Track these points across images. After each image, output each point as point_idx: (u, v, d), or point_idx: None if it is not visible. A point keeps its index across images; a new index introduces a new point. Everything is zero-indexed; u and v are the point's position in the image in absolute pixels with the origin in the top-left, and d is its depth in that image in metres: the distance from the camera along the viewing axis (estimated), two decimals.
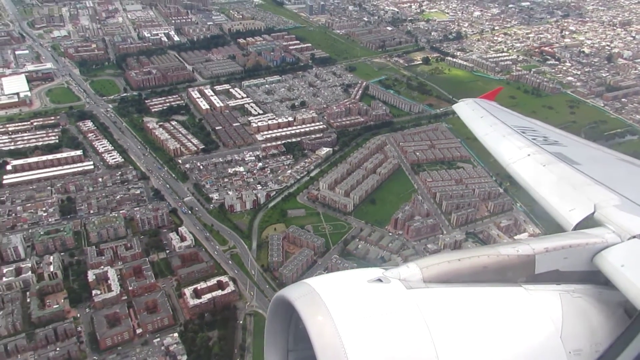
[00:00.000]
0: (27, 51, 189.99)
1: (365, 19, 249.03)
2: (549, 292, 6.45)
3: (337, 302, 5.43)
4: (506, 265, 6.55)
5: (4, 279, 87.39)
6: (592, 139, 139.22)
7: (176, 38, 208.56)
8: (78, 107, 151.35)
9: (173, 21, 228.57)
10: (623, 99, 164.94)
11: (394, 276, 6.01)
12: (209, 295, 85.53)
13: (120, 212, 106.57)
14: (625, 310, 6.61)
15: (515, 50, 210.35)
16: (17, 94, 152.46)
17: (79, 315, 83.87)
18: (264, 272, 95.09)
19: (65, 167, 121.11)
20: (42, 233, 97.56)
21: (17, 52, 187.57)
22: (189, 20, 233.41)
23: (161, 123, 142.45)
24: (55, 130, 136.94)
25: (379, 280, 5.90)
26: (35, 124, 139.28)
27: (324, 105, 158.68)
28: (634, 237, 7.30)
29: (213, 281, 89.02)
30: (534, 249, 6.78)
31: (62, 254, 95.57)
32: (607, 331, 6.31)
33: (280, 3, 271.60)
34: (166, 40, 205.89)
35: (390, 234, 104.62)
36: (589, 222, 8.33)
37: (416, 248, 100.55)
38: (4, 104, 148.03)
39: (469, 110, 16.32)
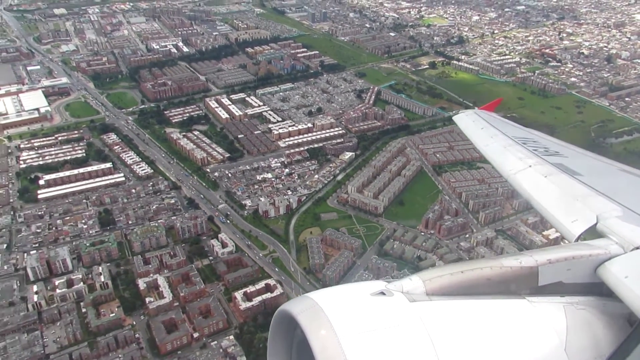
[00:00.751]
0: (38, 67, 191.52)
1: (367, 25, 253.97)
2: (553, 305, 6.45)
3: (340, 316, 5.45)
4: (509, 277, 6.55)
5: (58, 291, 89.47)
6: (603, 137, 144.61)
7: (185, 49, 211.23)
8: (99, 121, 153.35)
9: (180, 32, 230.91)
10: (627, 98, 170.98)
11: (397, 289, 6.02)
12: (259, 298, 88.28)
13: (159, 221, 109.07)
14: (629, 322, 6.58)
15: (516, 53, 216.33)
16: (38, 109, 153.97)
17: (134, 322, 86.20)
18: (306, 274, 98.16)
19: (97, 179, 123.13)
20: (87, 245, 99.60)
21: (28, 68, 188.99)
22: (195, 31, 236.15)
23: (184, 133, 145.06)
24: (81, 144, 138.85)
25: (382, 293, 5.91)
26: (60, 138, 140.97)
27: (340, 111, 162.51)
28: (637, 248, 7.30)
29: (261, 284, 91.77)
30: (536, 260, 6.78)
31: (107, 264, 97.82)
32: (612, 344, 6.27)
33: (282, 12, 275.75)
34: (175, 51, 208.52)
35: (423, 233, 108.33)
36: (591, 233, 8.38)
37: (449, 246, 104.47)
38: (26, 120, 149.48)
39: (469, 122, 16.36)
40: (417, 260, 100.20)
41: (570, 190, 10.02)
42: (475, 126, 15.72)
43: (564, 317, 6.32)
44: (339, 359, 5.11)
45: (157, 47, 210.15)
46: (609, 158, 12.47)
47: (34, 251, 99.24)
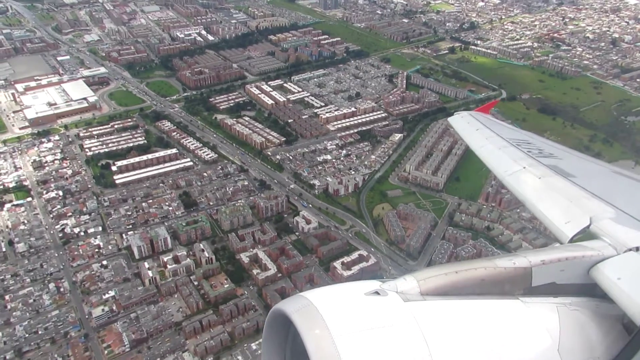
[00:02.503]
0: (68, 57, 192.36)
1: (379, 12, 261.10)
2: (546, 305, 6.55)
3: (334, 316, 5.52)
4: (503, 277, 6.64)
5: (168, 267, 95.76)
6: (624, 115, 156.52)
7: (210, 37, 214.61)
8: (147, 109, 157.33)
9: (200, 21, 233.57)
10: (638, 79, 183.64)
11: (392, 289, 6.09)
12: (357, 267, 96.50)
13: (239, 201, 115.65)
14: (622, 323, 6.67)
15: (527, 38, 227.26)
16: (85, 98, 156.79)
17: (245, 292, 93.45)
18: (389, 245, 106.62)
19: (166, 165, 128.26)
20: (184, 224, 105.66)
21: (59, 58, 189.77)
22: (213, 19, 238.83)
23: (236, 119, 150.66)
24: (139, 131, 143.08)
25: (377, 293, 5.98)
26: (116, 126, 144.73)
27: (377, 95, 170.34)
28: (630, 249, 7.39)
29: (354, 255, 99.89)
30: (530, 261, 6.86)
31: (203, 242, 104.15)
32: (604, 344, 6.38)
33: None
34: (201, 40, 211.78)
35: (485, 206, 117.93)
36: (584, 234, 8.46)
37: (512, 217, 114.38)
38: (77, 109, 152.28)
39: (464, 123, 16.38)
40: (487, 230, 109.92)
41: (563, 191, 10.12)
42: (471, 128, 15.78)
43: (557, 318, 6.39)
44: (333, 358, 5.17)
45: (182, 35, 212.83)
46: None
47: (131, 232, 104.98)
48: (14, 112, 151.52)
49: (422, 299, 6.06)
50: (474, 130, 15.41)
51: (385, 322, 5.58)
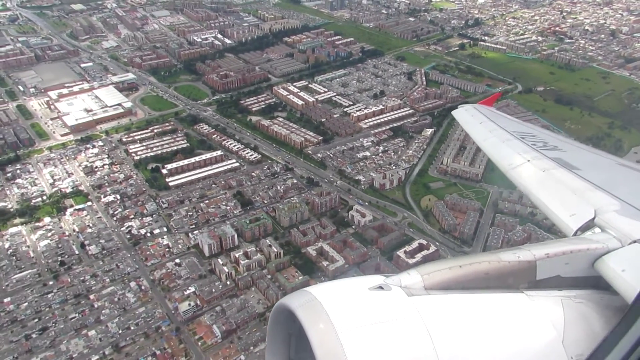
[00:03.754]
0: (90, 64, 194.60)
1: (384, 11, 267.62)
2: (551, 298, 6.58)
3: (338, 310, 5.58)
4: (507, 271, 6.66)
5: (242, 262, 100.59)
6: (636, 103, 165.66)
7: (227, 41, 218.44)
8: (181, 112, 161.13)
9: (212, 25, 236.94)
10: None
11: (395, 283, 6.14)
12: (420, 255, 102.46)
13: (292, 199, 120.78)
14: None
15: (530, 32, 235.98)
16: (120, 104, 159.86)
17: (317, 283, 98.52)
18: (442, 234, 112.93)
19: (214, 166, 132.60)
20: (248, 222, 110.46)
21: (82, 65, 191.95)
22: (224, 23, 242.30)
23: (270, 120, 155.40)
24: (179, 134, 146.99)
25: (380, 287, 6.04)
26: (155, 131, 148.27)
27: (400, 93, 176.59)
28: (635, 241, 7.44)
29: (414, 244, 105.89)
30: (534, 254, 6.88)
31: (266, 238, 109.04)
32: None
33: (297, 1, 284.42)
34: (219, 43, 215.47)
35: None
36: (589, 227, 8.52)
37: None
38: (114, 115, 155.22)
39: (468, 117, 16.42)
40: (531, 215, 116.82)
41: (568, 184, 10.12)
42: (475, 121, 15.81)
43: (562, 311, 6.44)
44: (337, 352, 5.22)
45: (199, 40, 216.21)
46: None
47: (197, 231, 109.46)
48: (51, 119, 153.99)
49: (426, 294, 6.09)
50: (478, 123, 15.49)
51: (389, 317, 5.65)
